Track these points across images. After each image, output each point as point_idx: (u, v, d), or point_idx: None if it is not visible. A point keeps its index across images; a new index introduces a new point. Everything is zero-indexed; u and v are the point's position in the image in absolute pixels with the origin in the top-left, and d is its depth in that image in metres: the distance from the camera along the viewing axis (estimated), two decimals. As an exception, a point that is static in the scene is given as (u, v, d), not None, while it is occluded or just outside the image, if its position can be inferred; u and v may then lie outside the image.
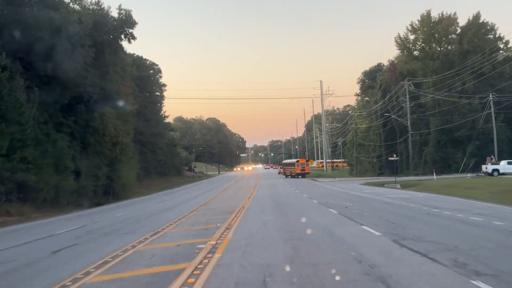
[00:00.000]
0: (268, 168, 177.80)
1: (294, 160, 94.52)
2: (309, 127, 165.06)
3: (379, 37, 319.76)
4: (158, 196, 49.55)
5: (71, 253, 13.22)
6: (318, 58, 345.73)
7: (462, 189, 37.10)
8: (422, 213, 20.16)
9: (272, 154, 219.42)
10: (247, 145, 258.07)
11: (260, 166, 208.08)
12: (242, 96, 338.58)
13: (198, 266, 10.01)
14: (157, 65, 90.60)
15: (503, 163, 56.96)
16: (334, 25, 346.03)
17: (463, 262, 9.58)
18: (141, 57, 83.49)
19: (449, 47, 73.04)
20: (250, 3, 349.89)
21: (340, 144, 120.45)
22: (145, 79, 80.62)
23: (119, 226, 20.03)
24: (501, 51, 71.97)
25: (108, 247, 13.52)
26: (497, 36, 72.21)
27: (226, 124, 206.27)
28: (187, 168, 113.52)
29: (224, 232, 15.56)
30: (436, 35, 72.69)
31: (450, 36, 72.84)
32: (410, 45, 76.32)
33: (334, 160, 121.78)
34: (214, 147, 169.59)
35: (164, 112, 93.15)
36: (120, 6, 53.02)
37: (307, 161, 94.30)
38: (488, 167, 56.81)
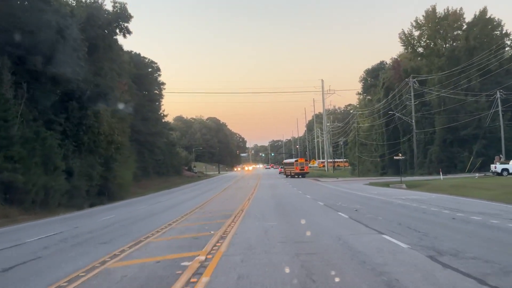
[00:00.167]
0: (269, 168, 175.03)
1: (293, 160, 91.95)
2: (310, 126, 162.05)
3: (381, 35, 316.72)
4: (154, 197, 46.78)
5: (22, 272, 10.42)
6: (319, 57, 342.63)
7: (474, 190, 34.33)
8: (446, 218, 17.37)
9: (272, 154, 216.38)
10: (248, 145, 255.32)
11: (260, 166, 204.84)
12: (242, 96, 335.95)
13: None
14: (155, 63, 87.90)
15: (514, 162, 54.32)
16: (335, 24, 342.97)
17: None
18: (139, 54, 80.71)
19: (455, 43, 70.19)
20: (250, 2, 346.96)
21: (341, 143, 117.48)
22: (143, 77, 77.85)
23: (99, 233, 17.26)
24: (508, 48, 69.24)
25: (72, 264, 10.74)
26: (504, 32, 69.41)
27: (226, 124, 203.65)
28: (186, 168, 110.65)
29: (218, 242, 12.78)
30: (442, 31, 69.82)
31: (455, 32, 69.97)
32: (415, 42, 73.44)
33: (336, 160, 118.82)
34: (214, 146, 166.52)
35: (163, 111, 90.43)
36: (114, -1, 50.25)
37: (306, 160, 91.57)
38: (498, 167, 54.04)
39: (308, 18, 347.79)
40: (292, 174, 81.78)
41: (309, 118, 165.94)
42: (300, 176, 79.20)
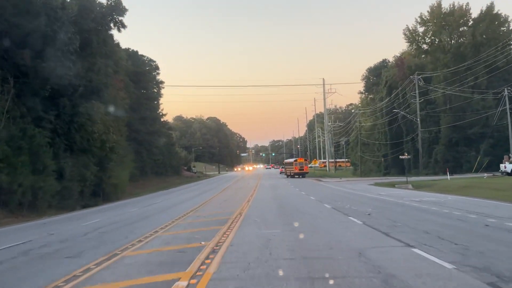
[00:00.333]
0: (269, 168, 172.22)
1: (292, 160, 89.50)
2: (311, 126, 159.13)
3: (382, 34, 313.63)
4: (150, 198, 44.10)
5: None
6: (320, 56, 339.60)
7: (488, 191, 31.66)
8: (477, 225, 14.65)
9: (273, 154, 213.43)
10: (248, 145, 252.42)
11: (261, 166, 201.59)
12: (243, 95, 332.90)
13: None
14: (154, 61, 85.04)
15: (524, 162, 51.73)
16: (336, 23, 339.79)
17: None
18: (137, 52, 77.95)
19: (461, 39, 67.41)
20: (249, 1, 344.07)
21: (343, 143, 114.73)
22: (141, 75, 75.12)
23: (72, 242, 14.56)
24: (515, 44, 66.36)
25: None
26: (511, 28, 66.61)
27: (226, 124, 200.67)
28: (186, 168, 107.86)
29: (207, 259, 10.09)
30: (447, 27, 67.02)
31: (461, 28, 67.19)
32: (419, 38, 70.63)
33: (337, 160, 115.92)
34: (214, 146, 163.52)
35: (162, 110, 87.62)
36: (108, -9, 47.47)
37: (305, 160, 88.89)
38: (507, 166, 51.41)
39: (309, 17, 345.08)
40: (292, 174, 79.55)
41: (310, 117, 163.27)
42: (300, 176, 76.78)
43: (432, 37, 69.37)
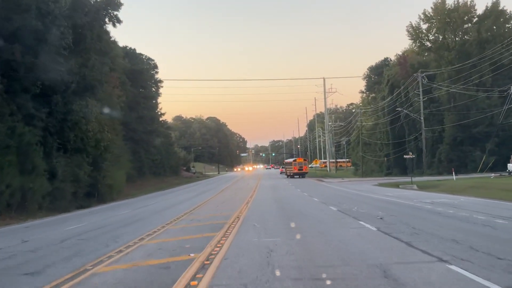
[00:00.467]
0: (269, 168, 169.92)
1: (291, 160, 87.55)
2: (311, 126, 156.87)
3: (383, 33, 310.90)
4: (145, 198, 42.07)
5: None
6: (321, 56, 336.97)
7: (498, 191, 29.63)
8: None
9: (273, 154, 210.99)
10: (248, 145, 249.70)
11: (261, 166, 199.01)
12: (242, 95, 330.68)
13: None
14: (152, 60, 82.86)
15: (533, 161, 49.74)
16: (337, 22, 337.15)
17: None
18: (134, 50, 75.84)
19: (466, 36, 65.23)
20: (250, 1, 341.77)
21: (344, 143, 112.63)
22: (138, 73, 72.91)
23: (43, 252, 12.46)
24: (521, 41, 64.18)
25: None
26: (517, 25, 64.50)
27: (226, 124, 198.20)
28: (185, 168, 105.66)
29: (193, 280, 8.03)
30: (452, 24, 64.83)
31: (466, 25, 65.02)
32: (423, 35, 68.45)
33: (338, 160, 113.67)
34: (214, 147, 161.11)
35: (160, 109, 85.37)
36: (103, -16, 45.36)
37: (305, 160, 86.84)
38: (515, 166, 49.45)
39: (309, 17, 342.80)
40: (291, 174, 77.67)
41: (310, 117, 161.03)
42: (299, 177, 74.82)
43: (436, 34, 67.18)
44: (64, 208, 35.98)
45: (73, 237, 15.45)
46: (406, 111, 65.22)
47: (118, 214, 24.94)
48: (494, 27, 63.22)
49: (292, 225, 15.67)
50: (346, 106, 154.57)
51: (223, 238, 12.72)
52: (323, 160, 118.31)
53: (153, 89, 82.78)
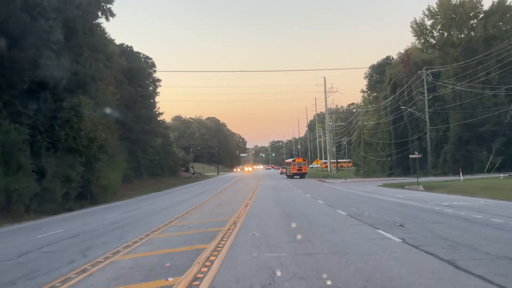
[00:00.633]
0: (269, 169, 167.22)
1: (291, 160, 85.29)
2: (311, 126, 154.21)
3: (385, 31, 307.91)
4: (140, 200, 39.66)
5: None
6: (321, 56, 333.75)
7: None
8: None
9: (273, 154, 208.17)
10: (248, 146, 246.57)
11: (261, 167, 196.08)
12: (242, 95, 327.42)
13: None
14: (150, 58, 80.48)
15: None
16: (338, 21, 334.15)
17: None
18: (131, 47, 73.37)
19: (472, 33, 62.71)
20: (250, 0, 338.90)
21: (344, 143, 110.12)
22: (135, 71, 70.43)
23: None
24: (528, 38, 61.66)
25: None
26: (524, 20, 61.98)
27: (226, 124, 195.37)
28: (184, 168, 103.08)
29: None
30: (457, 20, 62.29)
31: (472, 21, 62.51)
32: (427, 32, 65.89)
33: (339, 160, 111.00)
34: (214, 147, 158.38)
35: (158, 108, 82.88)
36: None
37: (304, 160, 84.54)
38: (526, 166, 46.99)
39: (309, 17, 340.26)
40: (290, 174, 75.73)
41: (311, 117, 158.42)
42: (299, 177, 72.68)
43: (441, 31, 64.64)
44: (54, 210, 33.87)
45: (37, 249, 12.97)
46: (410, 109, 62.66)
47: (104, 218, 22.46)
48: (501, 23, 60.83)
49: (298, 233, 13.20)
50: (347, 106, 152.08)
51: (214, 253, 10.26)
52: (324, 161, 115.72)
53: (151, 88, 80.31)
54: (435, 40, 66.54)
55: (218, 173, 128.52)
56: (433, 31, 65.90)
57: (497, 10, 60.49)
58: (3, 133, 30.78)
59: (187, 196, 38.75)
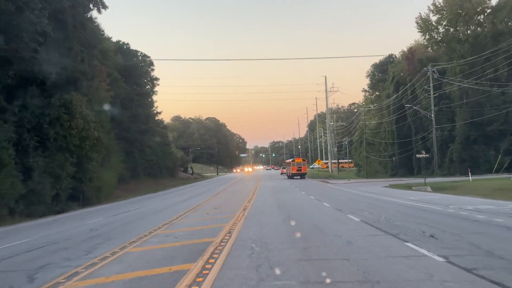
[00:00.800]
0: (270, 169, 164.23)
1: (290, 160, 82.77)
2: (311, 127, 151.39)
3: (385, 33, 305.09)
4: (132, 202, 37.02)
5: None
6: (321, 56, 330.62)
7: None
8: None
9: (273, 155, 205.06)
10: (248, 146, 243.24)
11: (261, 167, 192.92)
12: (242, 95, 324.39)
13: None
14: (148, 57, 77.67)
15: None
16: (338, 20, 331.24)
17: None
18: (128, 44, 70.57)
19: (479, 28, 59.95)
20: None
21: (346, 143, 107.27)
22: (131, 69, 67.66)
23: None
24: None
25: None
26: (534, 16, 59.11)
27: (225, 124, 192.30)
28: (182, 169, 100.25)
29: None
30: (464, 15, 59.51)
31: (479, 17, 59.75)
32: (433, 28, 63.10)
33: (340, 161, 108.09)
34: (213, 147, 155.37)
35: (156, 107, 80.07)
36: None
37: (304, 160, 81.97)
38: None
39: (309, 16, 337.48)
40: (290, 174, 73.60)
41: (311, 118, 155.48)
42: (299, 177, 70.32)
43: (447, 26, 61.87)
44: (42, 212, 31.43)
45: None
46: (415, 107, 59.88)
47: (84, 224, 19.74)
48: (510, 18, 58.02)
49: (307, 248, 10.48)
50: (347, 106, 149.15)
51: (198, 279, 7.55)
52: (324, 161, 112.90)
53: (148, 87, 77.56)
54: (440, 36, 63.73)
55: (217, 174, 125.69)
56: (439, 27, 63.14)
57: (506, 5, 57.75)
58: (-16, 130, 28.23)
59: (182, 198, 36.07)
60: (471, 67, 56.23)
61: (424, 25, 63.08)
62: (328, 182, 56.33)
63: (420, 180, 46.48)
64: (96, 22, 49.81)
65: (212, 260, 9.14)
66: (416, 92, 64.71)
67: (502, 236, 11.37)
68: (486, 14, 59.78)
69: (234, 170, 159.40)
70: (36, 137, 33.66)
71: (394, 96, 71.19)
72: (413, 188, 40.97)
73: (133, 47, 75.63)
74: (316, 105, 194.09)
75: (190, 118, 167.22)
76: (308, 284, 7.07)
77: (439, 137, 61.51)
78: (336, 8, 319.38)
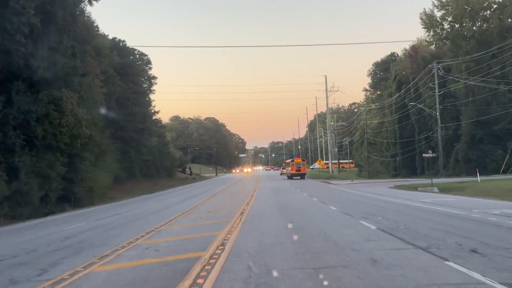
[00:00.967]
0: (269, 170, 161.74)
1: (289, 160, 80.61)
2: (311, 127, 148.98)
3: (385, 33, 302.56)
4: (125, 204, 34.71)
5: None
6: (321, 55, 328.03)
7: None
8: None
9: (273, 155, 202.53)
10: (247, 147, 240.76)
11: (260, 168, 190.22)
12: (242, 93, 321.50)
13: None
14: (146, 55, 75.41)
15: None
16: (338, 20, 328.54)
17: None
18: (124, 42, 68.19)
19: (485, 24, 57.60)
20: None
21: (346, 144, 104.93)
22: (128, 67, 65.29)
23: None
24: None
25: None
26: (541, 11, 56.76)
27: (225, 124, 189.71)
28: (180, 169, 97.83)
29: None
30: (469, 11, 57.15)
31: (485, 12, 57.39)
32: (437, 23, 60.75)
33: (341, 161, 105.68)
34: (212, 147, 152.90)
35: (154, 106, 77.68)
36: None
37: (303, 160, 79.86)
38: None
39: (308, 16, 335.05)
40: (289, 175, 72.00)
41: (311, 118, 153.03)
42: (299, 177, 68.46)
43: (452, 22, 59.49)
44: (29, 214, 29.28)
45: None
46: (420, 106, 57.49)
47: (61, 230, 17.34)
48: (517, 14, 55.80)
49: (326, 282, 7.95)
50: (348, 106, 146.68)
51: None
52: (325, 161, 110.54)
53: (145, 85, 75.18)
54: (445, 32, 61.38)
55: (216, 174, 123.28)
56: (444, 23, 60.77)
57: (512, 0, 55.54)
58: (-36, 127, 25.95)
59: (177, 199, 33.71)
60: (477, 64, 53.92)
61: (429, 21, 60.71)
62: (330, 183, 53.97)
63: (425, 181, 44.34)
64: (89, 16, 47.57)
65: (198, 283, 6.77)
66: (419, 90, 62.41)
67: None
68: (492, 9, 57.43)
69: (233, 171, 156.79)
70: (23, 135, 31.45)
71: (397, 95, 68.94)
72: (418, 189, 38.98)
73: (131, 46, 73.19)
74: (316, 105, 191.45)
75: (189, 118, 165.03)
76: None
77: (443, 137, 59.17)
78: (336, 8, 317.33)
